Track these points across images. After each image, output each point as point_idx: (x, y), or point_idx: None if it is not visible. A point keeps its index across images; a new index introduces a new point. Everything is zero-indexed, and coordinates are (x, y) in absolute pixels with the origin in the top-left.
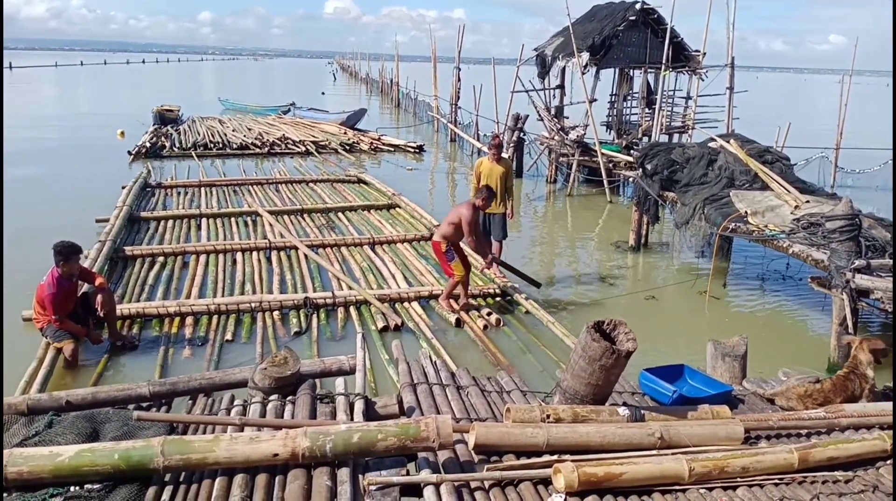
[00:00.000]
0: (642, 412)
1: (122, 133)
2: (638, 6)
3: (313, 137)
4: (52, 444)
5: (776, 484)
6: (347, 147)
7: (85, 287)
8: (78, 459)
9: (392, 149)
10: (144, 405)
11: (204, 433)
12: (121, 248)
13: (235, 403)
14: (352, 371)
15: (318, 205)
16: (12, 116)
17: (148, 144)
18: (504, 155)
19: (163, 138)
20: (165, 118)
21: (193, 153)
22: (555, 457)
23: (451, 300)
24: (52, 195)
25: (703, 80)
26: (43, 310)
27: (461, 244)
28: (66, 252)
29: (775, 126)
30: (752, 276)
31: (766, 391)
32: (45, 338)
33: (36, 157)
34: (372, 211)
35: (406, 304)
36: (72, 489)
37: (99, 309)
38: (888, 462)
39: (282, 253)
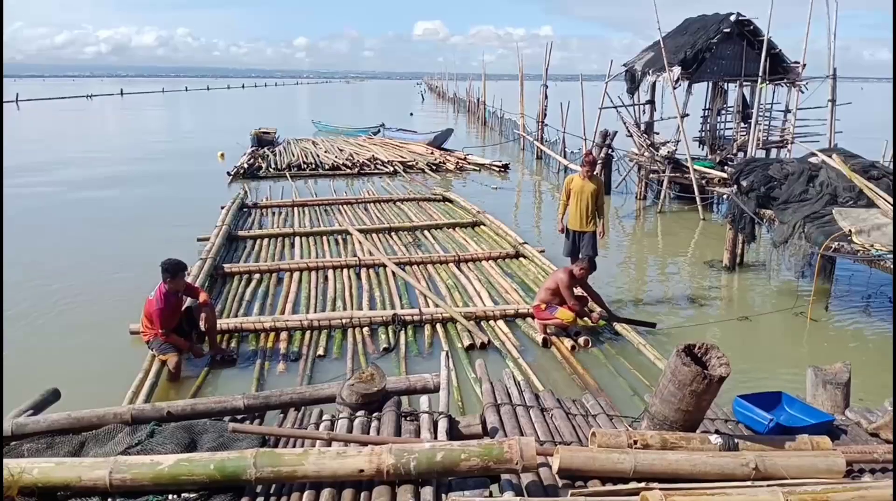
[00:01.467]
0: (736, 440)
1: (223, 155)
2: (733, 18)
3: (401, 157)
4: (153, 453)
5: None
6: (434, 167)
7: (188, 302)
8: (176, 468)
9: (478, 168)
10: (239, 417)
11: (294, 446)
12: (220, 265)
13: (324, 418)
14: (436, 389)
15: (405, 223)
16: (121, 141)
17: (245, 166)
18: (595, 172)
19: (259, 160)
20: (262, 140)
21: (287, 174)
22: (642, 485)
23: (543, 324)
24: (157, 215)
25: (802, 92)
26: (150, 324)
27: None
28: (174, 270)
29: (882, 140)
30: (857, 298)
31: (869, 425)
32: (151, 351)
33: (143, 179)
34: (457, 229)
35: (491, 322)
36: (170, 497)
37: (202, 324)
38: None
39: (371, 270)
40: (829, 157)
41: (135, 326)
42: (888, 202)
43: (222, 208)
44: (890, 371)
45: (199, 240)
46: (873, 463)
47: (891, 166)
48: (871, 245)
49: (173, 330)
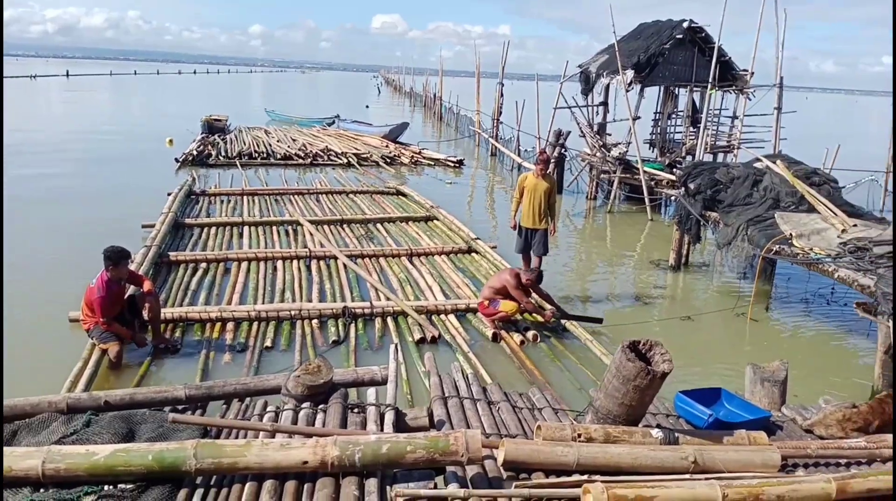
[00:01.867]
0: (676, 434)
1: (171, 141)
2: (685, 24)
3: (355, 149)
4: (88, 443)
5: None
6: (389, 160)
7: (131, 290)
8: (113, 458)
9: (432, 163)
10: (180, 407)
11: (237, 437)
12: (165, 253)
13: (268, 409)
14: (384, 382)
15: (358, 216)
16: (66, 122)
17: (195, 152)
18: (548, 171)
19: (209, 147)
20: (213, 127)
21: (237, 162)
22: (585, 477)
23: (492, 319)
24: (100, 199)
25: (750, 99)
26: (91, 312)
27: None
28: (116, 257)
29: (824, 148)
30: (796, 300)
31: (804, 421)
32: (92, 339)
33: (86, 161)
34: (410, 223)
35: (443, 316)
36: (106, 488)
37: (145, 313)
38: None
39: (321, 262)
40: (774, 162)
41: (75, 313)
42: (828, 208)
43: (169, 194)
44: (825, 371)
45: (143, 227)
46: (807, 458)
47: (832, 173)
48: (811, 249)
49: (115, 319)
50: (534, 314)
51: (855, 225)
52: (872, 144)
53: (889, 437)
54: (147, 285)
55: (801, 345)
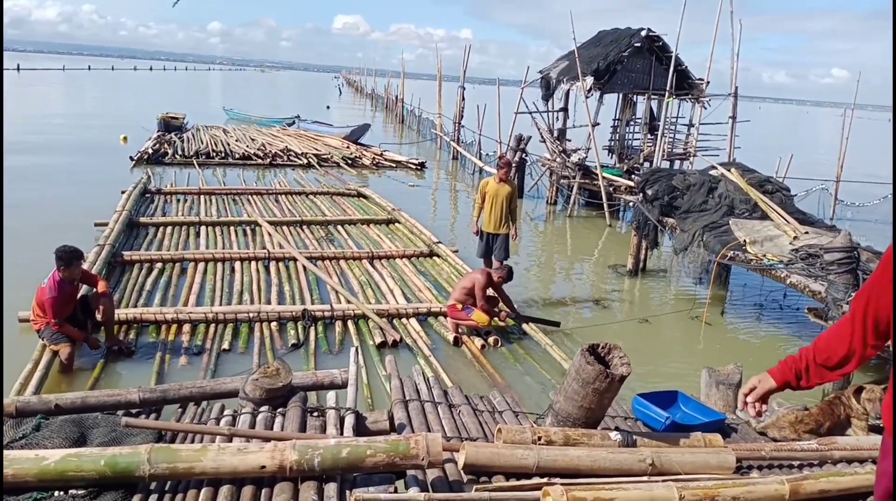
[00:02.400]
0: (634, 437)
1: (125, 138)
2: (643, 33)
3: (316, 150)
4: (38, 447)
5: None
6: (350, 161)
7: (83, 290)
8: (64, 464)
9: (394, 165)
10: (134, 411)
11: (192, 442)
12: (119, 253)
13: (225, 413)
14: (344, 385)
15: (318, 217)
16: (17, 116)
17: (150, 150)
18: (510, 176)
19: (166, 145)
20: (170, 125)
21: (194, 161)
22: (545, 480)
23: (455, 324)
24: (51, 196)
25: (705, 108)
26: (42, 313)
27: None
28: (68, 258)
29: (776, 156)
30: (750, 304)
31: (758, 424)
32: (42, 340)
33: (36, 157)
34: (371, 225)
35: (404, 320)
36: (56, 493)
37: (98, 315)
38: None
39: (280, 264)
40: (728, 170)
41: (24, 313)
42: (781, 216)
43: (123, 192)
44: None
45: (96, 225)
46: (761, 460)
47: (785, 182)
48: (764, 255)
49: (67, 319)
50: (494, 319)
51: (806, 232)
52: (823, 154)
53: (840, 439)
54: (101, 286)
55: (754, 349)
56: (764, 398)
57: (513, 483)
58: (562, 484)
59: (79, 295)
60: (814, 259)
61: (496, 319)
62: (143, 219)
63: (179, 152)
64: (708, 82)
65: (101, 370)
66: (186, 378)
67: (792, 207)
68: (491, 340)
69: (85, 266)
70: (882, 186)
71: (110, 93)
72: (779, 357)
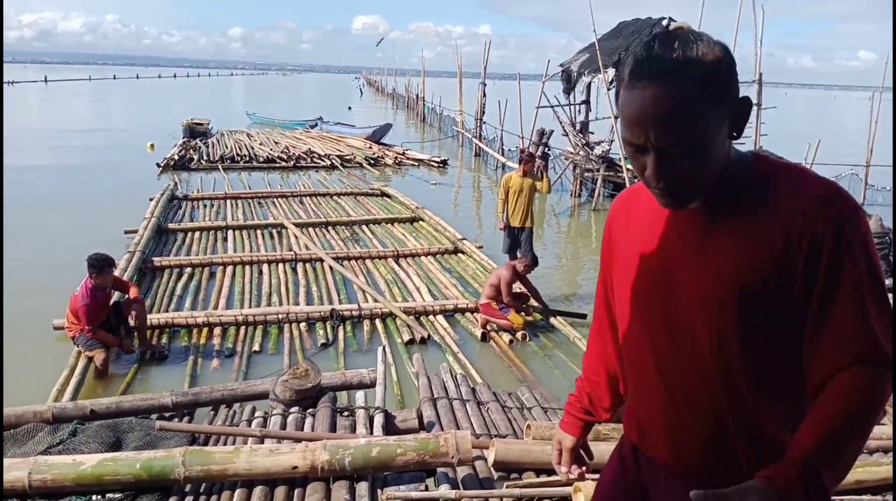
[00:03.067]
0: None
1: (152, 146)
2: (665, 22)
3: (339, 151)
4: (75, 452)
5: None
6: (372, 161)
7: (116, 296)
8: (100, 468)
9: (416, 163)
10: (167, 415)
11: (225, 444)
12: (149, 259)
13: (256, 415)
14: (372, 385)
15: (343, 218)
16: (46, 127)
17: (176, 157)
18: (535, 168)
19: (191, 151)
20: (195, 131)
21: (220, 166)
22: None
23: (486, 320)
24: (82, 205)
25: None
26: (76, 320)
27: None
28: (99, 265)
29: (805, 143)
30: None
31: None
32: (77, 347)
33: (67, 168)
34: (395, 224)
35: (431, 317)
36: (94, 498)
37: (131, 320)
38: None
39: (307, 265)
40: None
41: (59, 321)
42: None
43: (151, 199)
44: None
45: (126, 233)
46: None
47: (813, 168)
48: None
49: (101, 326)
50: (523, 315)
51: None
52: (852, 138)
53: (875, 428)
54: (133, 292)
55: None
56: (578, 458)
57: (543, 479)
58: (592, 479)
59: (111, 302)
60: None
61: (524, 315)
62: (171, 225)
63: (205, 158)
64: None
65: (134, 374)
66: (219, 381)
67: None
68: (519, 334)
69: (116, 273)
70: None
71: (136, 101)
72: None
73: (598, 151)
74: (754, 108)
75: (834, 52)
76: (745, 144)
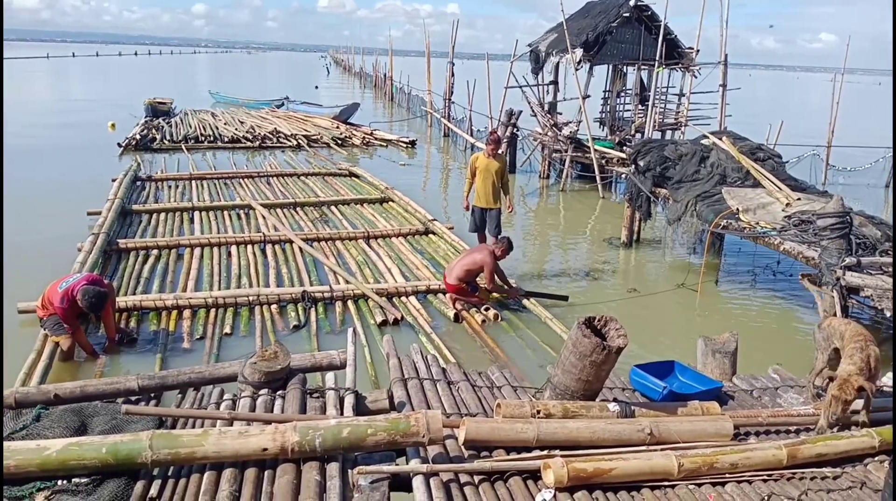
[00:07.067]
0: (632, 408)
1: (113, 125)
2: (632, 3)
3: (305, 130)
4: (39, 438)
5: (765, 480)
6: (340, 141)
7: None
8: (65, 453)
9: (385, 143)
10: (133, 399)
11: (193, 427)
12: (114, 241)
13: (225, 397)
14: (342, 366)
15: (311, 198)
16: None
17: (138, 137)
18: (500, 151)
19: (154, 131)
20: (157, 111)
21: (184, 146)
22: (544, 452)
23: (454, 299)
24: (42, 187)
25: (696, 77)
26: (50, 305)
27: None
28: (96, 308)
29: (767, 124)
30: (744, 272)
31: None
32: (44, 330)
33: (24, 148)
34: (365, 205)
35: (403, 298)
36: (59, 483)
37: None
38: (875, 458)
39: (276, 246)
40: (720, 139)
41: (22, 304)
42: (773, 183)
43: (113, 180)
44: (775, 339)
45: (89, 214)
46: (758, 426)
47: (776, 148)
48: (757, 223)
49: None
50: (496, 294)
51: (799, 199)
52: (813, 119)
53: None
54: (111, 333)
55: (749, 316)
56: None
57: (513, 456)
58: (562, 456)
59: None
60: (807, 225)
61: (501, 294)
62: (135, 206)
63: (168, 138)
64: (697, 51)
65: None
66: (190, 364)
67: (784, 173)
68: (490, 314)
69: (81, 256)
70: (873, 150)
71: (96, 79)
72: (774, 324)
73: (565, 131)
74: (719, 89)
75: (797, 34)
76: (709, 125)
